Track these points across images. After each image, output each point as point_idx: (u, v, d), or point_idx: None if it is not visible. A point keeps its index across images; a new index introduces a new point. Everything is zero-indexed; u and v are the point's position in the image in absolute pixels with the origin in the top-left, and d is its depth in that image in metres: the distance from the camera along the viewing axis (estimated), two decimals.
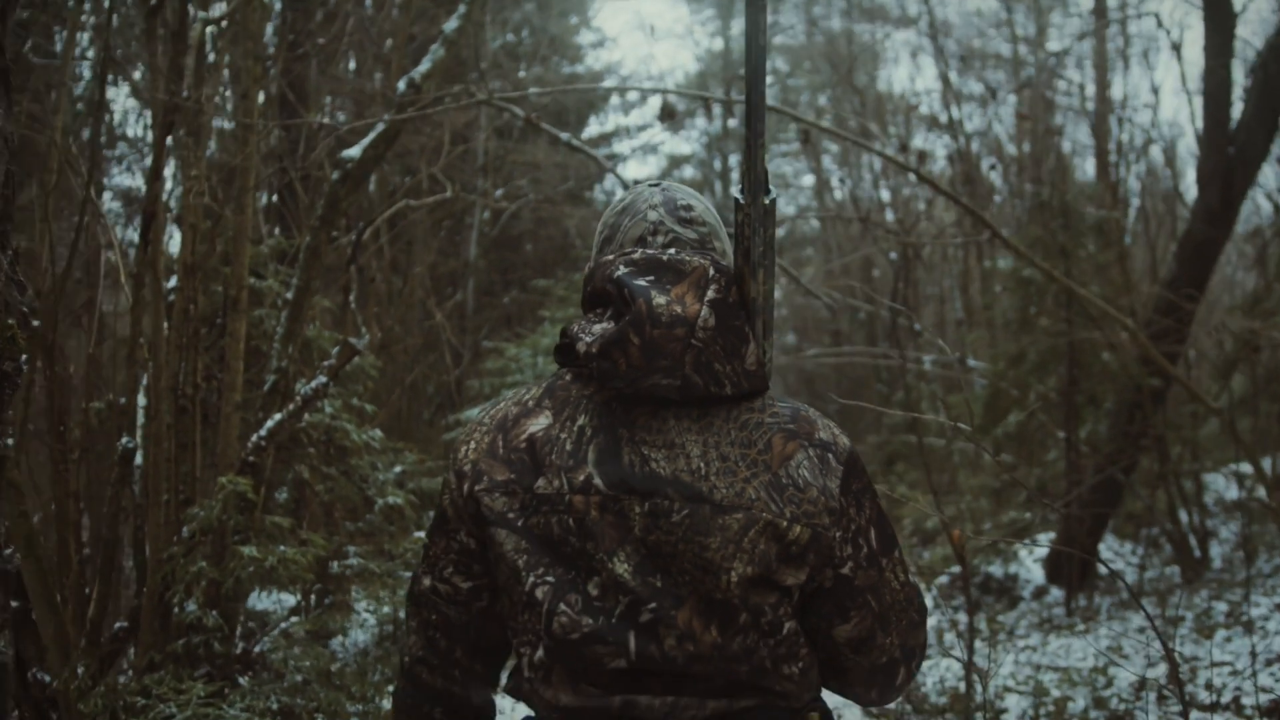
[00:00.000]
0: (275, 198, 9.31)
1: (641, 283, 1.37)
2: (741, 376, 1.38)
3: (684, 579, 1.34)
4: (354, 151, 5.71)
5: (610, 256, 1.45)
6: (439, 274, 13.90)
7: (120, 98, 10.02)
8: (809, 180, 25.67)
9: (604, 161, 5.10)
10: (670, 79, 34.15)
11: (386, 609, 8.29)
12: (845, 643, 1.45)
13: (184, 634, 4.99)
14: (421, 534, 7.23)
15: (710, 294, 1.37)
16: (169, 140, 4.93)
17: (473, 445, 1.46)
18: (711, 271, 1.39)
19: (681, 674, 1.34)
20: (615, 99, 24.16)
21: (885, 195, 22.69)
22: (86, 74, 7.48)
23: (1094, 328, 7.65)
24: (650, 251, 1.42)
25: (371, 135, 5.67)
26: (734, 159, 23.65)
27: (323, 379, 5.34)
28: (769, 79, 22.09)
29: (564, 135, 5.17)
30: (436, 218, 10.70)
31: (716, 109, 24.40)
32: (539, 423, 1.43)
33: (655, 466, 1.36)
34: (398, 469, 7.82)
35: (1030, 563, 9.54)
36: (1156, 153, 12.77)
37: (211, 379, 6.15)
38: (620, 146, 22.86)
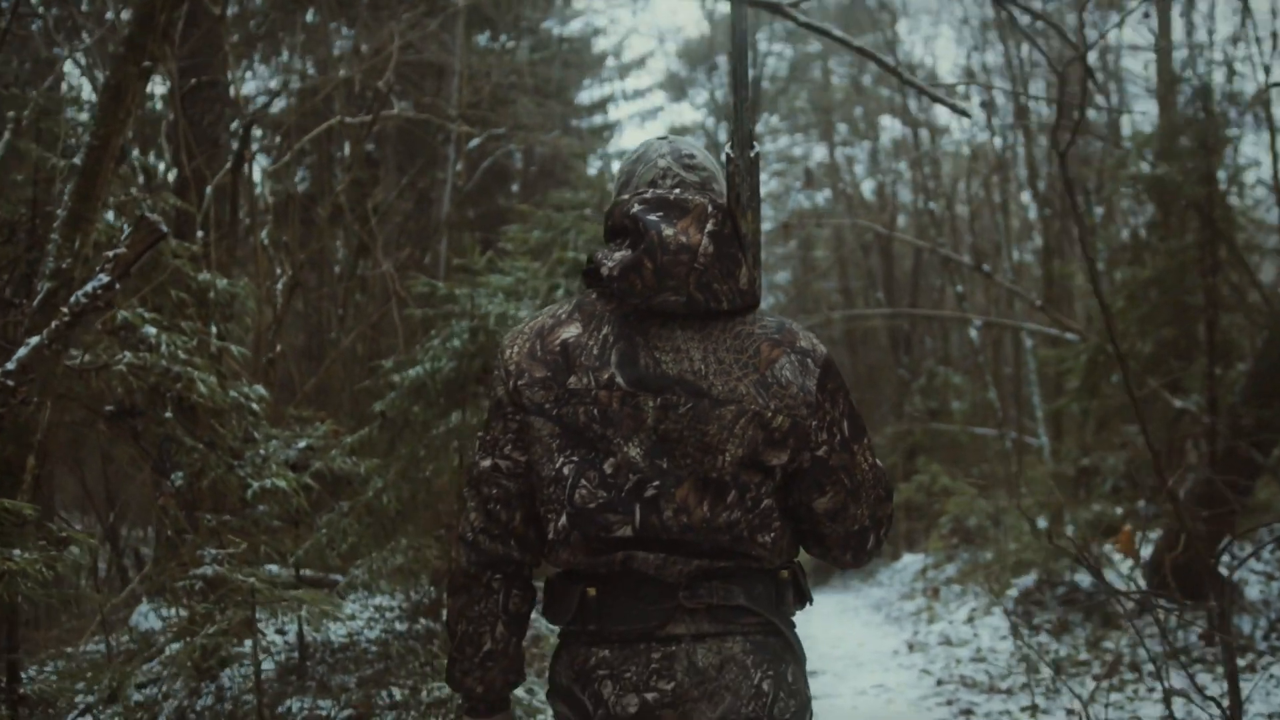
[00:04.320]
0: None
1: (653, 217, 1.64)
2: (736, 294, 1.66)
3: (686, 461, 1.63)
4: None
5: (626, 196, 1.71)
6: (399, 215, 11.89)
7: None
8: (820, 153, 23.73)
9: None
10: (671, 41, 32.14)
11: (295, 628, 6.36)
12: (823, 513, 1.72)
13: None
14: (324, 530, 5.20)
15: (710, 227, 1.64)
16: None
17: (516, 349, 1.73)
18: (710, 208, 1.66)
19: (675, 540, 1.64)
20: (610, 61, 22.27)
21: (903, 168, 20.77)
22: None
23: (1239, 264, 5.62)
24: (660, 191, 1.69)
25: None
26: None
27: (104, 278, 3.33)
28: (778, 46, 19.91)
29: None
30: (379, 125, 8.70)
31: (722, 69, 22.45)
32: (570, 331, 1.70)
33: (665, 368, 1.65)
34: (301, 444, 5.80)
35: (1126, 569, 7.51)
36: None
37: None
38: (617, 113, 20.99)
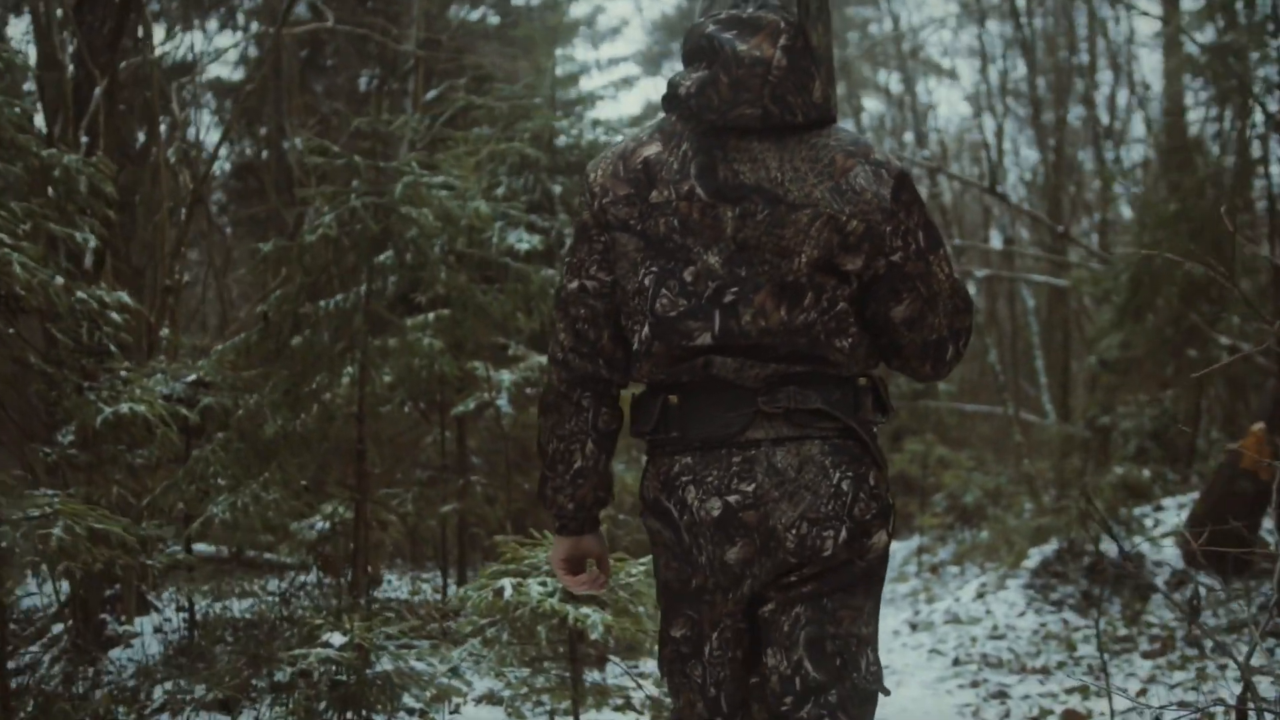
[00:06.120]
0: None
1: (727, 35, 1.68)
2: (810, 107, 1.69)
3: (763, 268, 1.67)
4: None
5: (703, 19, 1.74)
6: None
7: None
8: None
9: None
10: (650, 11, 31.07)
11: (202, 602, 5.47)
12: (900, 322, 1.75)
13: None
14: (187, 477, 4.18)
15: (783, 41, 1.67)
16: None
17: (600, 171, 1.78)
18: (783, 24, 1.69)
19: (753, 345, 1.67)
20: (584, 29, 21.30)
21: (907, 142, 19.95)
22: None
23: None
24: (732, 11, 1.72)
25: None
26: None
27: None
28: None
29: None
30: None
31: None
32: (651, 149, 1.74)
33: (743, 178, 1.69)
34: (190, 377, 4.79)
35: (1160, 538, 6.61)
36: None
37: None
38: (589, 84, 20.04)
